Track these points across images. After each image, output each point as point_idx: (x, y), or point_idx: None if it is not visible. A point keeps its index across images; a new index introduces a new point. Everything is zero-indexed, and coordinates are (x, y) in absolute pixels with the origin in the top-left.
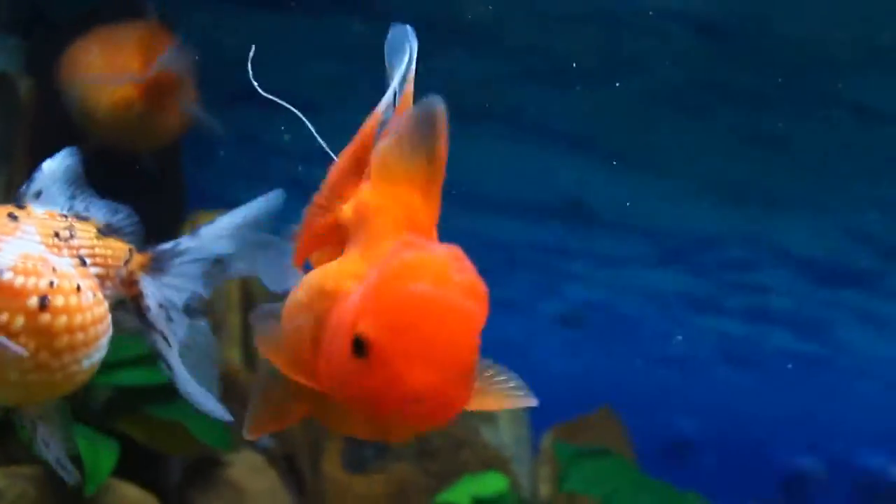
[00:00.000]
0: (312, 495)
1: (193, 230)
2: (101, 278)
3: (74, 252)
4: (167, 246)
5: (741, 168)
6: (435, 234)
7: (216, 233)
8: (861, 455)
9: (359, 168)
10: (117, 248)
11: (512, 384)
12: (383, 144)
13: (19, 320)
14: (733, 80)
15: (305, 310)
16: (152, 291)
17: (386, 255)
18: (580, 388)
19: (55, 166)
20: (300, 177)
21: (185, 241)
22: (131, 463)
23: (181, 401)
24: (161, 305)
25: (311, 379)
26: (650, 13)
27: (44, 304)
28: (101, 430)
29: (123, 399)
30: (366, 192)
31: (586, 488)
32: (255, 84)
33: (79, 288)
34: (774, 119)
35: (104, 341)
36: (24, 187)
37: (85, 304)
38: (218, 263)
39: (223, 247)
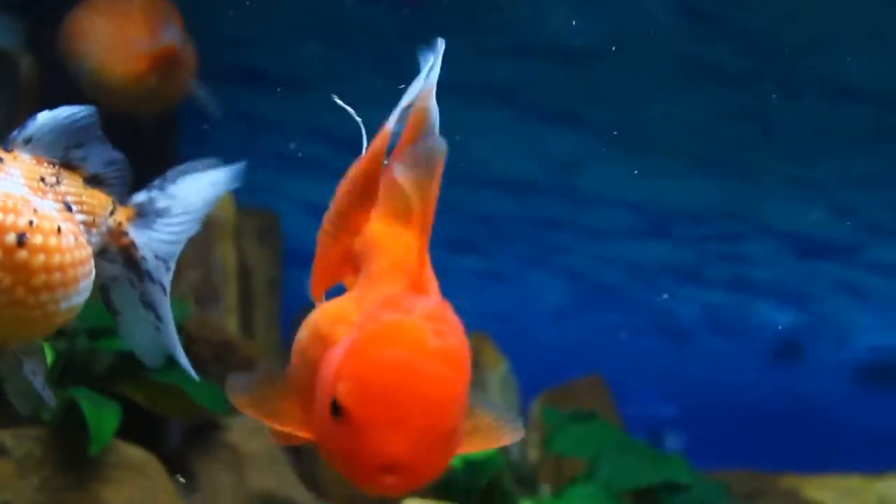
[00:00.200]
0: (308, 459)
1: (162, 186)
2: (87, 225)
3: (60, 197)
4: (142, 196)
5: (725, 144)
6: (429, 274)
7: (191, 191)
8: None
9: (368, 190)
10: (102, 199)
11: (499, 420)
12: (390, 179)
13: None
14: (717, 59)
15: (302, 352)
16: (145, 242)
17: (368, 314)
18: (568, 357)
19: (50, 116)
20: (289, 153)
21: (161, 198)
22: (133, 426)
23: (181, 367)
24: (157, 257)
25: (298, 426)
26: None
27: (21, 242)
28: (105, 394)
29: (125, 364)
30: (373, 226)
31: (573, 450)
32: (336, 99)
33: (59, 230)
34: (757, 97)
35: (85, 285)
36: (15, 132)
37: (65, 245)
38: (192, 222)
39: (198, 207)
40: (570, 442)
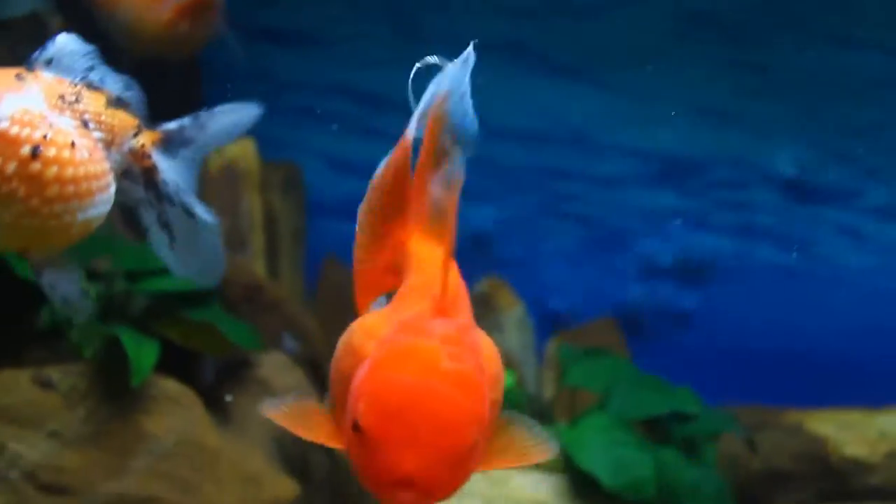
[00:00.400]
0: None
1: (195, 117)
2: (106, 143)
3: (78, 115)
4: (173, 125)
5: (728, 94)
6: (457, 293)
7: (215, 126)
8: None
9: (395, 202)
10: (125, 120)
11: (533, 437)
12: (420, 196)
13: (11, 166)
14: (720, 9)
15: (337, 364)
16: (168, 167)
17: (387, 336)
18: (581, 300)
19: (70, 38)
20: (310, 109)
21: (190, 128)
22: (169, 363)
23: (215, 305)
24: (179, 182)
25: (330, 438)
26: None
27: (35, 154)
28: (142, 332)
29: (161, 304)
30: (411, 242)
31: (586, 383)
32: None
33: (73, 144)
34: (758, 47)
35: (101, 199)
36: (36, 53)
37: (79, 159)
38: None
39: (221, 140)
40: (584, 375)
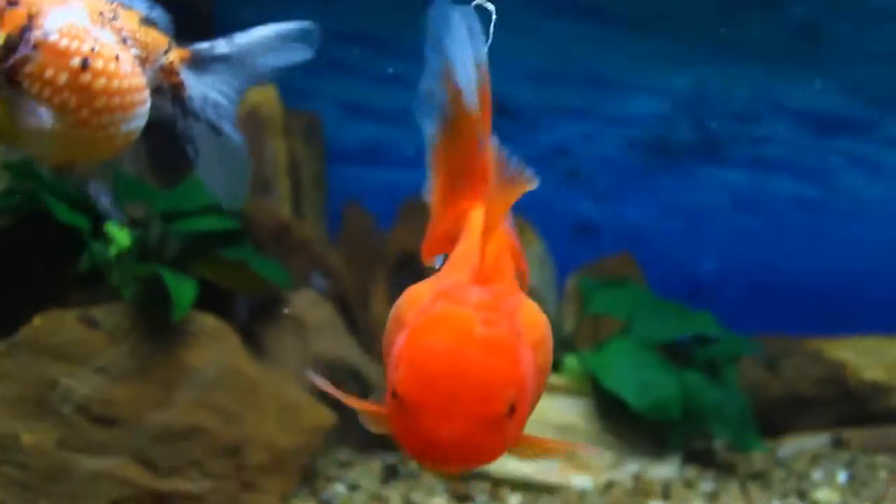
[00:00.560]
0: (363, 331)
1: (229, 36)
2: (141, 60)
3: (117, 31)
4: (204, 45)
5: (741, 28)
6: (503, 262)
7: (251, 43)
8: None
9: (462, 170)
10: (157, 38)
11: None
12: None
13: (63, 77)
14: None
15: (387, 331)
16: (195, 84)
17: (424, 305)
18: (600, 236)
19: None
20: (328, 57)
21: (221, 46)
22: (205, 302)
23: (247, 245)
24: (207, 99)
25: (375, 404)
26: None
27: (85, 65)
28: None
29: (196, 244)
30: (473, 212)
31: (609, 310)
32: None
33: (118, 58)
34: None
35: (140, 111)
36: None
37: (122, 72)
38: (249, 74)
39: (256, 58)
40: (606, 303)
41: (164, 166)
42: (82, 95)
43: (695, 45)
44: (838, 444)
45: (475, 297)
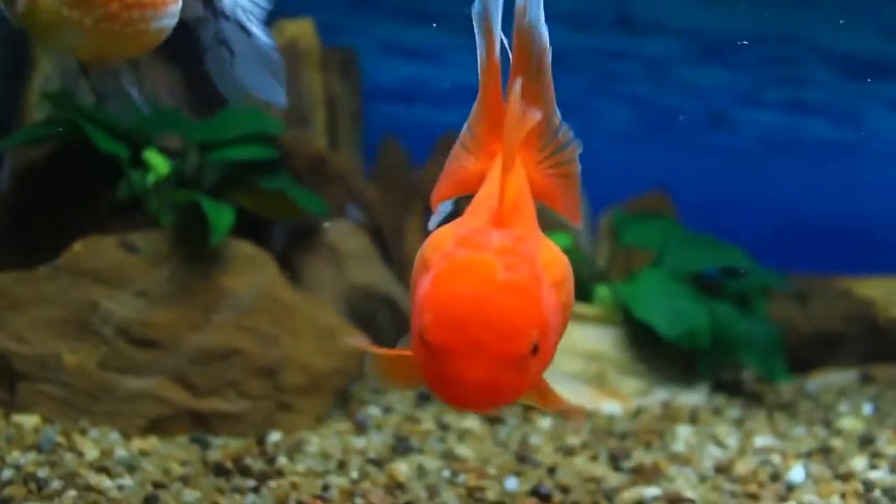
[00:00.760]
0: (397, 263)
1: None
2: None
3: None
4: None
5: None
6: (521, 204)
7: None
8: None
9: (491, 118)
10: None
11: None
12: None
13: None
14: None
15: (414, 272)
16: None
17: (447, 251)
18: (634, 176)
19: None
20: None
21: None
22: (243, 230)
23: (284, 174)
24: (235, 1)
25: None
26: None
27: None
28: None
29: (233, 173)
30: (497, 161)
31: (641, 242)
32: None
33: None
34: None
35: (171, 10)
36: None
37: None
38: None
39: None
40: (638, 236)
41: (200, 100)
42: None
43: None
44: (865, 379)
45: (496, 241)
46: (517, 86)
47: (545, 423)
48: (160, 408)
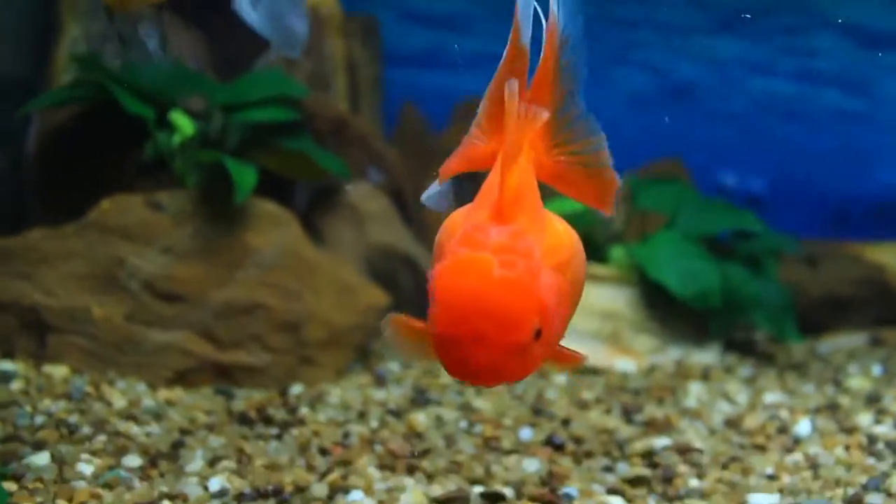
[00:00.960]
0: (416, 223)
1: None
2: None
3: None
4: None
5: None
6: (524, 195)
7: None
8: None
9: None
10: None
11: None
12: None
13: None
14: None
15: (434, 252)
16: None
17: (450, 248)
18: (649, 143)
19: None
20: None
21: None
22: (267, 190)
23: (306, 135)
24: None
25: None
26: None
27: None
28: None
29: (257, 134)
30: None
31: (655, 205)
32: None
33: None
34: None
35: None
36: None
37: None
38: None
39: None
40: (653, 199)
41: (224, 63)
42: None
43: None
44: (875, 342)
45: (494, 239)
46: (514, 85)
47: (560, 378)
48: (185, 360)
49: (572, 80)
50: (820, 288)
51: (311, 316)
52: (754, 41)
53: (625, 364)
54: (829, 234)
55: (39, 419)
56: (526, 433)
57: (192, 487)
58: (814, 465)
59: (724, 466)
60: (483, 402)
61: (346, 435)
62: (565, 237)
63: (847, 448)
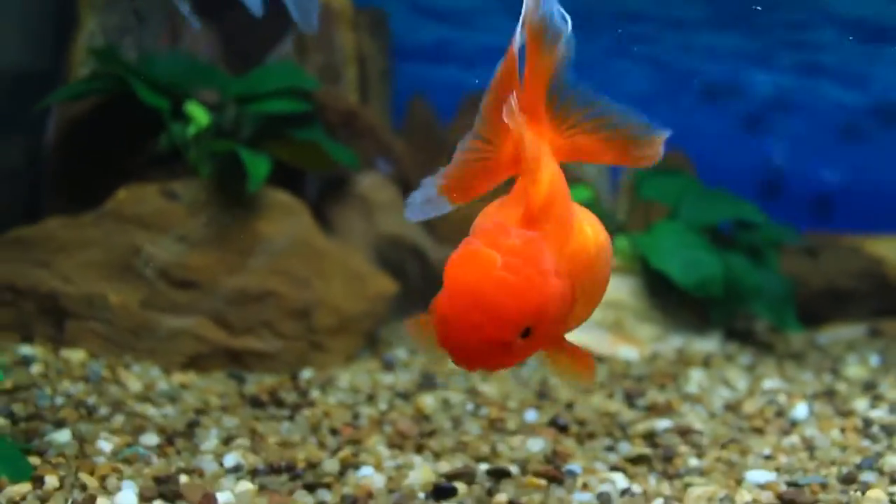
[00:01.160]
0: None
1: None
2: None
3: None
4: None
5: None
6: (557, 204)
7: None
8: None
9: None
10: None
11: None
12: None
13: None
14: None
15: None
16: None
17: (468, 239)
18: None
19: None
20: None
21: None
22: (279, 181)
23: (317, 126)
24: None
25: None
26: None
27: None
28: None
29: (270, 125)
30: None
31: (658, 195)
32: None
33: None
34: None
35: None
36: None
37: None
38: None
39: None
40: (656, 190)
41: (237, 56)
42: None
43: None
44: (874, 333)
45: (509, 241)
46: (512, 101)
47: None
48: (198, 345)
49: (559, 57)
50: (820, 279)
51: (321, 303)
52: (756, 36)
53: (628, 352)
54: (828, 225)
55: (59, 400)
56: (531, 415)
57: (208, 463)
58: (810, 447)
59: (723, 447)
60: (489, 387)
61: (356, 416)
62: (591, 240)
63: (843, 430)
